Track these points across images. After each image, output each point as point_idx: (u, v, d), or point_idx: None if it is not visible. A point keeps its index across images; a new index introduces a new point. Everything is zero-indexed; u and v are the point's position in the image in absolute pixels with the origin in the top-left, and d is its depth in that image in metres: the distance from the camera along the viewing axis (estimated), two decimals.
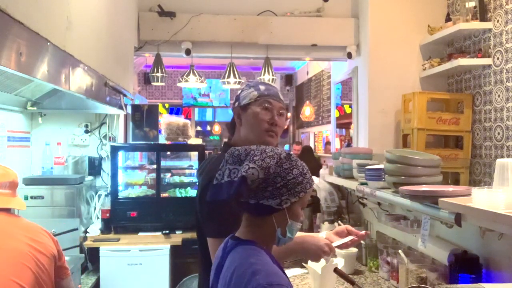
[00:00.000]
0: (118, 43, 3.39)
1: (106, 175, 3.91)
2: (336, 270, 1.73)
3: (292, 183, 1.16)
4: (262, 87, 1.66)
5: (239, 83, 4.61)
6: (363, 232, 1.78)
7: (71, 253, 2.90)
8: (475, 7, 3.37)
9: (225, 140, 1.79)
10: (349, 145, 5.59)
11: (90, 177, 3.83)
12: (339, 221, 3.08)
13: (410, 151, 2.34)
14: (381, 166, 2.37)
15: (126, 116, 4.21)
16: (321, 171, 3.72)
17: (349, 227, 1.81)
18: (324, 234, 1.82)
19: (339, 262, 2.33)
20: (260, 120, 1.62)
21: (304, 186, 1.19)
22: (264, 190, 1.15)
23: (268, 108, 1.63)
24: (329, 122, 6.16)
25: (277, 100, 1.65)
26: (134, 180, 4.01)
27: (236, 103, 1.69)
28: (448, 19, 3.71)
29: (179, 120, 4.23)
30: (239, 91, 1.73)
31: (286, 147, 9.18)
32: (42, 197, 3.26)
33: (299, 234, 1.86)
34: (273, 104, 1.64)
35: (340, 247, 1.73)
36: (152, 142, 4.05)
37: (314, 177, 3.61)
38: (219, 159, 1.58)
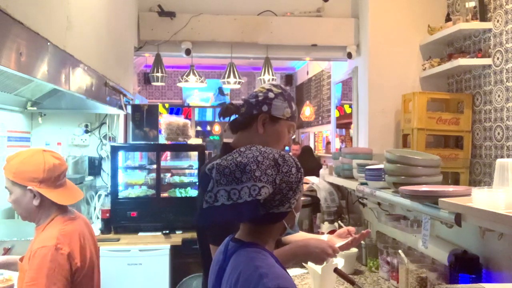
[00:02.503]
0: (118, 43, 3.39)
1: (106, 175, 3.91)
2: (336, 270, 1.72)
3: (295, 183, 1.15)
4: (293, 106, 1.63)
5: (239, 83, 4.61)
6: (364, 231, 1.79)
7: None
8: (475, 7, 3.37)
9: (225, 140, 1.74)
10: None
11: (90, 177, 3.83)
12: (339, 221, 3.08)
13: (410, 151, 2.33)
14: (381, 166, 2.37)
15: (126, 116, 4.21)
16: (321, 171, 3.72)
17: (350, 228, 1.81)
18: (326, 237, 1.82)
19: (339, 262, 2.33)
20: (281, 141, 1.60)
21: (302, 178, 1.18)
22: (273, 200, 1.12)
23: (291, 132, 1.63)
24: (329, 122, 6.16)
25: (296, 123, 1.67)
26: (134, 180, 4.01)
27: (265, 107, 1.58)
28: (448, 19, 3.71)
29: (179, 120, 4.22)
30: (267, 92, 1.60)
31: (286, 148, 9.17)
32: None
33: (302, 236, 1.86)
34: (294, 129, 1.65)
35: (342, 247, 1.73)
36: (152, 142, 4.05)
37: (314, 177, 3.63)
38: None
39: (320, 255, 1.60)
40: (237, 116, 1.64)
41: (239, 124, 1.63)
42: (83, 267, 1.76)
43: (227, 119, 1.66)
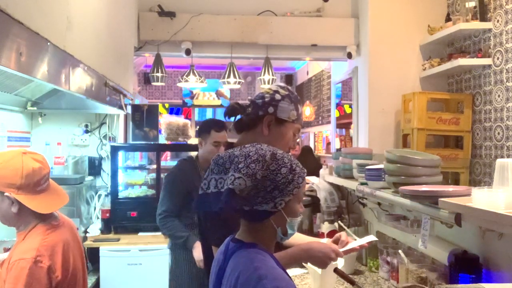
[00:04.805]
0: (118, 43, 3.39)
1: (106, 175, 3.91)
2: (336, 270, 1.72)
3: (282, 184, 1.13)
4: (299, 108, 1.62)
5: (239, 83, 4.61)
6: (365, 243, 1.80)
7: None
8: (475, 7, 3.37)
9: (229, 140, 1.73)
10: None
11: (90, 177, 3.83)
12: (339, 221, 3.07)
13: (410, 151, 2.33)
14: (381, 166, 2.37)
15: (126, 116, 4.21)
16: (321, 171, 3.72)
17: (343, 236, 1.81)
18: (325, 241, 1.82)
19: (339, 262, 2.33)
20: (285, 144, 1.59)
21: (296, 182, 1.16)
22: (256, 196, 1.12)
23: (296, 135, 1.62)
24: (329, 122, 6.15)
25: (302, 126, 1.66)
26: (134, 180, 4.01)
27: (271, 109, 1.56)
28: (448, 19, 3.71)
29: (179, 120, 4.23)
30: (274, 93, 1.58)
31: None
32: None
33: (302, 239, 1.86)
34: (299, 131, 1.65)
35: (345, 252, 1.74)
36: (152, 142, 4.05)
37: (314, 177, 3.63)
38: None
39: (323, 259, 1.59)
40: (242, 116, 1.62)
41: (244, 125, 1.62)
42: (65, 280, 1.67)
43: (231, 119, 1.65)
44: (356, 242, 1.82)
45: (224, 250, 1.22)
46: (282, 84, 1.66)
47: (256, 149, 1.16)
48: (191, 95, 8.93)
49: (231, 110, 1.61)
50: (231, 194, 1.09)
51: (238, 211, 1.16)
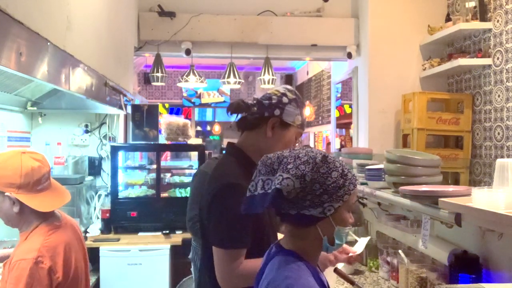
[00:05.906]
0: (118, 43, 3.39)
1: (106, 175, 3.91)
2: (336, 270, 1.72)
3: (332, 188, 1.09)
4: (304, 113, 1.61)
5: (239, 83, 4.61)
6: (357, 253, 1.76)
7: None
8: (475, 7, 3.37)
9: (231, 140, 1.71)
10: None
11: (90, 177, 3.83)
12: None
13: (410, 151, 2.34)
14: (381, 166, 2.37)
15: (126, 116, 4.21)
16: None
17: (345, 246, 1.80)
18: None
19: None
20: (286, 147, 1.56)
21: (347, 188, 1.11)
22: (304, 200, 1.08)
23: (298, 140, 1.62)
24: (329, 122, 6.16)
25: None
26: (134, 180, 4.01)
27: (277, 111, 1.54)
28: (448, 19, 3.71)
29: (179, 120, 4.23)
30: (281, 96, 1.56)
31: None
32: None
33: None
34: (301, 135, 1.65)
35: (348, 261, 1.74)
36: (152, 142, 4.05)
37: None
38: (229, 163, 1.55)
39: (323, 262, 1.60)
40: (246, 114, 1.58)
41: (247, 123, 1.59)
42: (66, 280, 1.67)
43: (233, 116, 1.60)
44: (354, 247, 1.82)
45: (268, 252, 1.21)
46: (290, 87, 1.62)
47: (306, 151, 1.12)
48: (197, 95, 8.93)
49: (235, 107, 1.55)
50: (278, 195, 1.05)
51: (284, 216, 1.13)
